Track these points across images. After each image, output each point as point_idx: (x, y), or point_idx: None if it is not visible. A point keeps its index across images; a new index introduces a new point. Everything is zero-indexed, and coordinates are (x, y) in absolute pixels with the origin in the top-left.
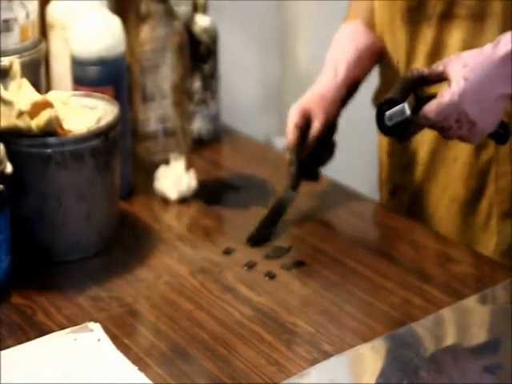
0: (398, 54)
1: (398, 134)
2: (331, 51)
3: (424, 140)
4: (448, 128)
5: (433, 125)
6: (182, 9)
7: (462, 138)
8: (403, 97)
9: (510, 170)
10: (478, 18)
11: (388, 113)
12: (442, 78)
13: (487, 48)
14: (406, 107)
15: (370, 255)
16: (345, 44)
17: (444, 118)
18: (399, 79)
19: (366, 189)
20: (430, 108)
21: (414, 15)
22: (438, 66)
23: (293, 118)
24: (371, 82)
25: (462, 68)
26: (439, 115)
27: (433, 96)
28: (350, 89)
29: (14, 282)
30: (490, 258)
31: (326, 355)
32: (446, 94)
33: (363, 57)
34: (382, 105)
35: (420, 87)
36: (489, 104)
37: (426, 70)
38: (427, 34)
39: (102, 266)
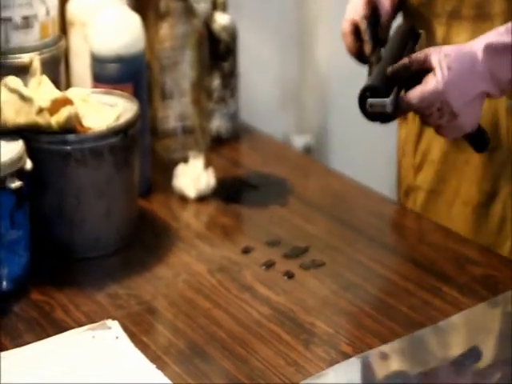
0: None
1: (377, 119)
2: None
3: (435, 141)
4: (429, 114)
5: (415, 110)
6: (202, 6)
7: (440, 128)
8: (387, 88)
9: None
10: (484, 19)
11: (370, 101)
12: (423, 66)
13: (467, 44)
14: (387, 103)
15: (389, 256)
16: None
17: (427, 105)
18: (382, 64)
19: (387, 188)
20: (414, 94)
21: (425, 11)
22: (419, 55)
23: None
24: None
25: (444, 57)
26: (422, 102)
27: (417, 82)
28: None
29: (33, 278)
30: (510, 260)
31: (345, 356)
32: (430, 81)
33: None
34: (365, 89)
35: (403, 77)
36: (471, 98)
37: (407, 60)
38: (437, 33)
39: (120, 263)
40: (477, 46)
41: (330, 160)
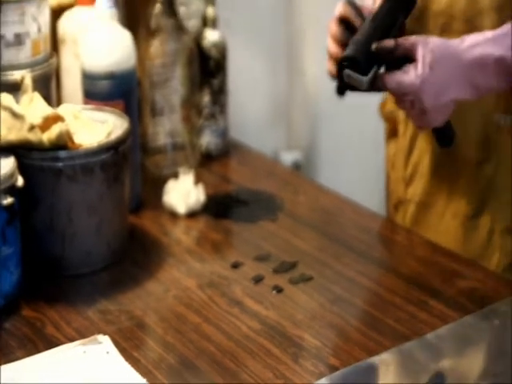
0: None
1: (351, 88)
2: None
3: (426, 153)
4: (401, 101)
5: (389, 91)
6: (192, 24)
7: (410, 116)
8: (367, 63)
9: (511, 185)
10: (474, 32)
11: (348, 72)
12: (407, 53)
13: (454, 44)
14: (365, 81)
15: (377, 270)
16: None
17: (401, 94)
18: (368, 34)
19: (375, 203)
20: (391, 79)
21: (416, 27)
22: (406, 41)
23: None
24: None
25: (429, 53)
26: (397, 89)
27: (397, 65)
28: None
29: (24, 295)
30: (496, 273)
31: (333, 369)
32: (410, 73)
33: None
34: (346, 58)
35: (386, 58)
36: (443, 102)
37: (393, 43)
38: None
39: (111, 279)
40: (463, 51)
41: (318, 176)
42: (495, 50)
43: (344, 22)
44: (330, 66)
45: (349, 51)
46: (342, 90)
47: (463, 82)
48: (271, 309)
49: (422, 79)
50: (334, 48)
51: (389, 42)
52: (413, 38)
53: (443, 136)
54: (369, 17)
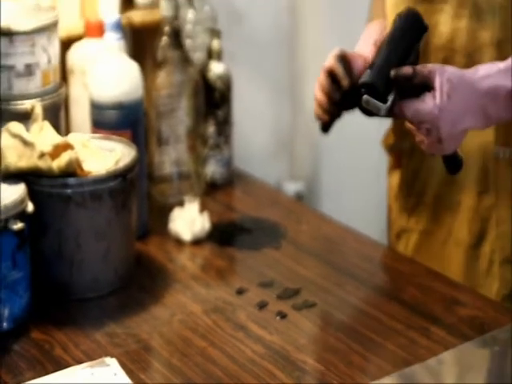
0: None
1: (368, 114)
2: (358, 48)
3: (429, 184)
4: (416, 129)
5: (406, 119)
6: (198, 56)
7: (422, 143)
8: (386, 90)
9: (511, 215)
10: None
11: (367, 98)
12: (425, 81)
13: (468, 73)
14: (383, 108)
15: (378, 297)
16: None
17: (418, 121)
18: (386, 61)
19: (376, 233)
20: (409, 107)
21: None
22: (424, 69)
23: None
24: (381, 124)
25: (446, 82)
26: (415, 117)
27: (414, 92)
28: None
29: (33, 318)
30: (495, 302)
31: None
32: (428, 102)
33: None
34: (363, 85)
35: (404, 85)
36: (459, 130)
37: (411, 71)
38: None
39: (118, 303)
40: (477, 80)
41: (320, 207)
42: (507, 83)
43: (331, 74)
44: (316, 110)
45: (368, 77)
46: (326, 128)
47: (477, 111)
48: (275, 334)
49: (440, 108)
50: (320, 96)
51: (407, 70)
52: (430, 66)
53: (453, 163)
54: (383, 42)
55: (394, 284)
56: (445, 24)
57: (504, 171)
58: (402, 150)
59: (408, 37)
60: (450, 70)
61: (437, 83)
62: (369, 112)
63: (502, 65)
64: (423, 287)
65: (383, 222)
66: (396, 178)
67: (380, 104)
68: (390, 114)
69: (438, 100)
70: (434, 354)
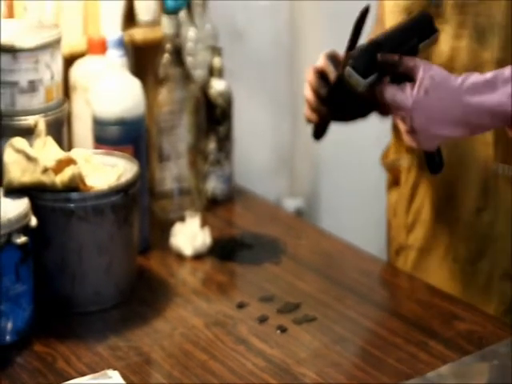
0: None
1: (345, 94)
2: None
3: (427, 201)
4: (393, 113)
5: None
6: (199, 73)
7: (403, 131)
8: (368, 68)
9: (510, 231)
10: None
11: (350, 71)
12: (409, 72)
13: (455, 81)
14: (362, 84)
15: (378, 312)
16: None
17: (394, 107)
18: (380, 41)
19: (376, 249)
20: (388, 91)
21: None
22: (410, 61)
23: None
24: (381, 142)
25: (428, 78)
26: (391, 102)
27: (399, 79)
28: None
29: (36, 331)
30: (494, 316)
31: None
32: (405, 92)
33: None
34: (350, 58)
35: (387, 70)
36: (433, 132)
37: (397, 58)
38: None
39: (120, 317)
40: (463, 92)
41: (320, 223)
42: (493, 97)
43: (321, 73)
44: (306, 112)
45: (356, 52)
46: (318, 134)
47: (458, 122)
48: (276, 347)
49: (413, 100)
50: (309, 95)
51: (394, 57)
52: (417, 60)
53: (433, 162)
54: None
55: (393, 299)
56: (445, 43)
57: (504, 188)
58: (401, 167)
59: (411, 31)
60: (436, 69)
61: (419, 76)
62: (345, 93)
63: (489, 76)
64: (422, 302)
65: (383, 239)
66: (395, 195)
67: (360, 79)
68: (369, 94)
69: (414, 92)
70: (433, 368)
